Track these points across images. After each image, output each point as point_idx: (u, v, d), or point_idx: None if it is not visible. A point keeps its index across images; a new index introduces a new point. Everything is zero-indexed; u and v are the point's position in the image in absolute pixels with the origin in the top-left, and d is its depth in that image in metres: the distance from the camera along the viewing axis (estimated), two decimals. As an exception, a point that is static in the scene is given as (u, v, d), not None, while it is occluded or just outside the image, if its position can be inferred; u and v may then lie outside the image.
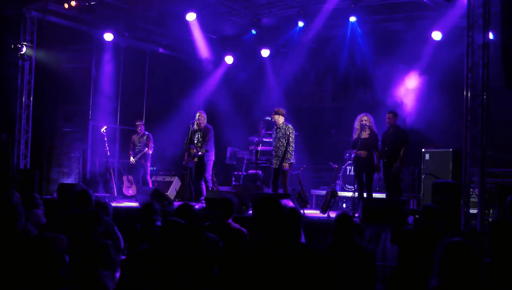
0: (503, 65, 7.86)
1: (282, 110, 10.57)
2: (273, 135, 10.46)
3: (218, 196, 9.84)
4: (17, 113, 12.83)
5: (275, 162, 10.33)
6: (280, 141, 10.31)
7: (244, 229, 6.10)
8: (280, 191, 10.53)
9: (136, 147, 13.06)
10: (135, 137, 13.21)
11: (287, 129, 10.35)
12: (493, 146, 9.17)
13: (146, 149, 12.82)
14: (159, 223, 5.90)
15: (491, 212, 9.35)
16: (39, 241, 3.34)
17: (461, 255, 3.25)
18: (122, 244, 6.18)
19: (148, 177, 13.13)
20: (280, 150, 10.30)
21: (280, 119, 10.41)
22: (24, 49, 12.59)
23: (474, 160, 8.22)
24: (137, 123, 13.28)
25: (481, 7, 8.26)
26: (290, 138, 10.33)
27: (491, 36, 8.68)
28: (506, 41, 7.87)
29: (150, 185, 13.00)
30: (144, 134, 13.10)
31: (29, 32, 12.81)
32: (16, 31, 12.75)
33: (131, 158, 13.02)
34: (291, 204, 6.17)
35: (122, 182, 13.72)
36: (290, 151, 10.32)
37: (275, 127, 10.44)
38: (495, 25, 8.39)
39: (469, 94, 8.33)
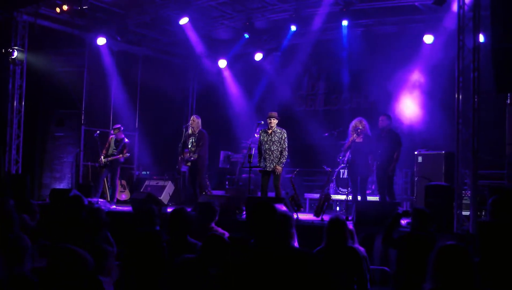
0: (494, 68, 7.90)
1: (277, 114, 10.58)
2: (266, 138, 10.40)
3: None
4: (8, 118, 12.75)
5: (268, 165, 10.30)
6: (275, 144, 10.31)
7: (226, 233, 6.12)
8: (271, 194, 10.52)
9: (111, 149, 12.60)
10: (112, 139, 12.74)
11: (283, 133, 10.38)
12: (485, 148, 9.21)
13: (121, 155, 12.43)
14: (158, 228, 5.90)
15: (483, 214, 9.39)
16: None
17: (455, 259, 3.24)
18: (115, 250, 6.15)
19: (117, 180, 12.93)
20: (275, 153, 10.30)
21: (275, 123, 10.41)
22: (15, 53, 12.53)
23: (466, 163, 8.27)
24: (117, 126, 12.84)
25: (471, 11, 8.32)
26: (286, 142, 10.38)
27: (482, 39, 8.74)
28: (496, 44, 7.91)
29: (117, 189, 12.91)
30: (122, 140, 12.69)
31: (20, 36, 12.76)
32: (7, 35, 12.68)
33: (102, 158, 12.51)
34: (283, 208, 6.16)
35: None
36: (285, 155, 10.36)
37: (269, 131, 10.40)
38: (487, 28, 8.44)
39: (460, 97, 8.38)
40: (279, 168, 10.25)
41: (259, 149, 10.49)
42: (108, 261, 4.89)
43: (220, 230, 6.20)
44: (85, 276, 3.33)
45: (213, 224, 6.25)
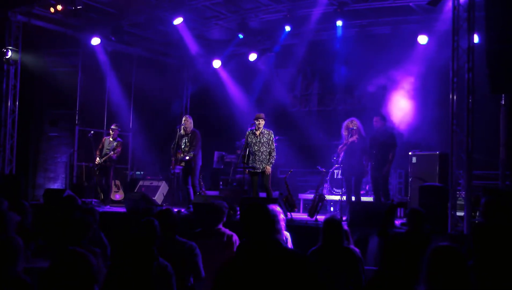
0: (488, 69, 7.91)
1: (264, 115, 10.64)
2: (254, 140, 10.46)
3: (205, 201, 9.82)
4: (1, 118, 12.70)
5: (258, 166, 10.36)
6: (264, 146, 10.39)
7: (235, 235, 6.08)
8: (262, 194, 10.54)
9: (105, 150, 12.70)
10: (106, 140, 12.86)
11: (270, 134, 10.51)
12: (479, 149, 9.22)
13: (111, 153, 12.53)
14: None
15: (477, 214, 9.40)
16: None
17: (449, 260, 3.22)
18: (109, 250, 6.13)
19: (111, 180, 12.97)
20: (264, 154, 10.36)
21: (263, 124, 10.48)
22: (9, 53, 12.48)
23: (460, 163, 8.28)
24: (113, 127, 12.91)
25: (466, 12, 8.33)
26: (274, 143, 10.47)
27: (477, 39, 8.76)
28: (490, 45, 7.93)
29: (112, 189, 12.93)
30: (115, 139, 12.81)
31: (14, 36, 12.71)
32: (1, 36, 12.63)
33: (97, 159, 12.64)
34: (277, 209, 6.15)
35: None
36: (274, 156, 10.43)
37: (257, 132, 10.45)
38: (481, 29, 8.46)
39: (454, 98, 8.39)
40: (268, 168, 10.36)
41: (246, 150, 10.53)
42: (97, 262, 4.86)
43: (227, 231, 6.14)
44: (87, 279, 3.33)
45: (220, 226, 6.20)
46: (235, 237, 6.08)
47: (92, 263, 3.36)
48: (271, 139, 10.48)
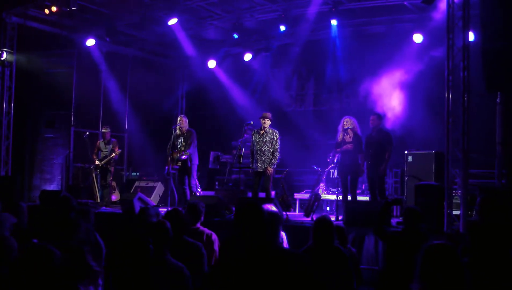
0: (484, 67, 7.92)
1: (270, 115, 10.55)
2: (258, 139, 10.38)
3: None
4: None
5: (260, 166, 10.27)
6: (267, 145, 10.28)
7: (214, 233, 6.08)
8: (262, 195, 10.50)
9: (102, 153, 12.84)
10: (101, 143, 12.99)
11: (275, 134, 10.36)
12: (475, 148, 9.23)
13: (113, 154, 12.70)
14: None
15: (473, 213, 9.41)
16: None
17: (442, 258, 3.22)
18: (104, 251, 6.11)
19: (111, 181, 13.01)
20: (266, 154, 10.26)
21: (268, 123, 10.39)
22: (5, 55, 12.48)
23: (456, 162, 8.28)
24: (103, 130, 13.06)
25: (460, 10, 8.33)
26: (278, 143, 10.35)
27: (472, 37, 8.75)
28: (486, 44, 7.93)
29: (110, 190, 13.02)
30: (110, 140, 12.95)
31: (9, 38, 12.69)
32: (-4, 37, 12.65)
33: (97, 162, 12.77)
34: (272, 208, 6.13)
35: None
36: (277, 156, 10.33)
37: (261, 131, 10.38)
38: (476, 27, 8.46)
39: (450, 97, 8.39)
40: (270, 169, 10.21)
41: (252, 149, 10.47)
42: (84, 261, 4.82)
43: (206, 230, 6.15)
44: (53, 270, 3.31)
45: (198, 225, 6.22)
46: (214, 236, 6.09)
47: (54, 258, 3.33)
48: (275, 138, 10.34)
